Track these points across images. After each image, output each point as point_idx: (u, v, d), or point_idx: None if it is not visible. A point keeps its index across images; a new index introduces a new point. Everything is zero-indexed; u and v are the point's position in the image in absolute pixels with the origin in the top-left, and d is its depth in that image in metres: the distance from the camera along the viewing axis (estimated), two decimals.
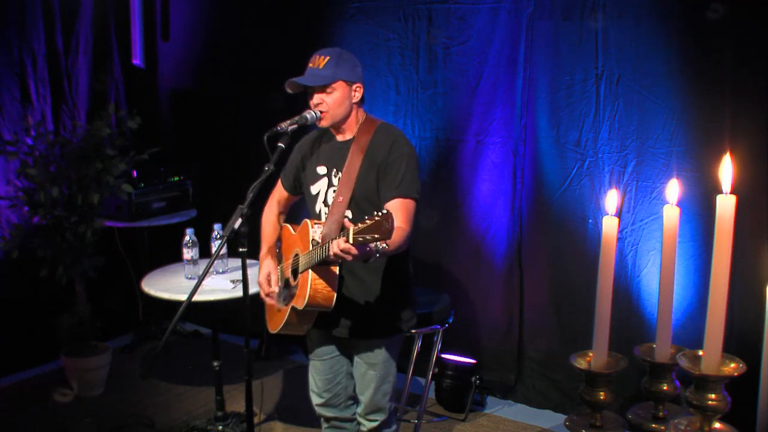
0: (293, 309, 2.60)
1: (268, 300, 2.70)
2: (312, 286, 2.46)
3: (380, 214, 2.12)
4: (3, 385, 4.23)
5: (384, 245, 2.18)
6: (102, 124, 3.97)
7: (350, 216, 2.57)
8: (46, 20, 4.38)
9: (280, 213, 2.90)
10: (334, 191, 2.62)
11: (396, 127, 2.73)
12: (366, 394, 2.75)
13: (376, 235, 2.12)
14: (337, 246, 2.21)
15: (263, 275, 2.70)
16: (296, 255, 2.63)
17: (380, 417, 2.78)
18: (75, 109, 4.58)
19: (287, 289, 2.68)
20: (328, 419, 2.92)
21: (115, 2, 4.79)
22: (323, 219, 2.62)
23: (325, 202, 2.66)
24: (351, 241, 2.15)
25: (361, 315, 2.65)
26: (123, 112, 4.26)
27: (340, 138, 2.67)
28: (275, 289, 2.68)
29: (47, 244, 3.90)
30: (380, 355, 2.70)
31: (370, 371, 2.71)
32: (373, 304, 2.65)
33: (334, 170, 2.65)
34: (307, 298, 2.47)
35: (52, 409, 3.98)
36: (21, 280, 4.22)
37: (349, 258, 2.22)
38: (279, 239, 2.85)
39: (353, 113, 2.64)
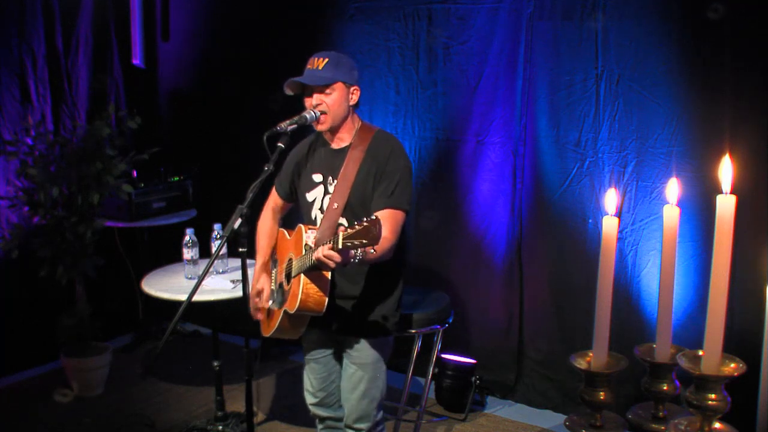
0: (285, 313, 2.61)
1: (257, 316, 2.74)
2: (304, 290, 2.47)
3: (368, 219, 2.14)
4: (3, 385, 4.23)
5: (372, 250, 2.19)
6: (102, 124, 3.97)
7: (345, 222, 2.58)
8: (46, 20, 4.38)
9: (275, 222, 2.91)
10: (330, 198, 2.62)
11: (393, 136, 2.74)
12: (352, 398, 2.73)
13: (364, 241, 2.14)
14: (321, 252, 2.25)
15: (254, 291, 2.73)
16: (290, 259, 2.64)
17: (365, 425, 2.76)
18: (75, 109, 4.58)
19: (281, 293, 2.69)
20: (322, 419, 2.93)
21: (115, 2, 4.79)
22: (318, 226, 2.62)
23: (321, 209, 2.67)
24: (340, 245, 2.17)
25: (353, 315, 2.67)
26: (123, 112, 4.27)
27: (335, 145, 2.68)
28: (266, 305, 2.71)
29: (47, 244, 3.90)
30: (370, 356, 2.70)
31: (359, 371, 2.71)
32: (364, 307, 2.66)
33: (330, 177, 2.65)
34: (298, 303, 2.48)
35: (52, 409, 3.98)
36: (21, 280, 4.22)
37: (332, 264, 2.26)
38: (275, 244, 2.87)
39: (349, 117, 2.64)
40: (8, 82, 4.22)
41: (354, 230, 2.15)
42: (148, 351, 4.71)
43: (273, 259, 2.86)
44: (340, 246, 2.17)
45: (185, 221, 4.49)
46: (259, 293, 2.74)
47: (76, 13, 4.56)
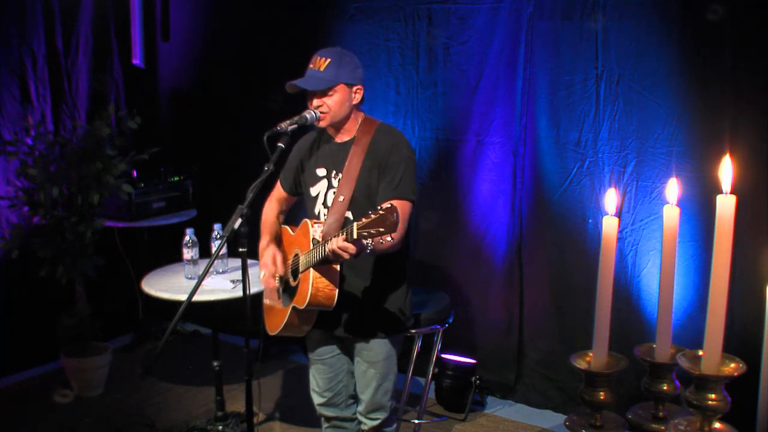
0: (294, 309, 2.60)
1: (272, 282, 2.67)
2: (314, 284, 2.46)
3: (385, 208, 2.14)
4: (3, 385, 4.23)
5: (390, 239, 2.19)
6: (102, 124, 3.97)
7: (350, 216, 2.58)
8: (46, 20, 4.38)
9: (280, 211, 2.91)
10: (334, 192, 2.62)
11: (395, 128, 2.74)
12: (367, 393, 2.75)
13: (381, 229, 2.14)
14: (336, 243, 2.25)
15: (268, 257, 2.70)
16: (296, 255, 2.63)
17: (381, 415, 2.78)
18: (75, 109, 4.58)
19: (287, 290, 2.68)
20: (329, 419, 2.92)
21: (115, 2, 4.78)
22: (323, 219, 2.62)
23: (324, 203, 2.67)
24: (355, 236, 2.16)
25: (362, 314, 2.66)
26: (123, 112, 4.26)
27: (338, 139, 2.68)
28: (281, 268, 2.67)
29: (47, 244, 3.90)
30: (381, 353, 2.70)
31: (371, 369, 2.71)
32: (374, 302, 2.66)
33: (334, 172, 2.65)
34: (308, 297, 2.47)
35: (52, 408, 3.98)
36: (21, 280, 4.22)
37: (347, 256, 2.28)
38: (278, 239, 2.86)
39: (353, 115, 2.64)
40: (8, 82, 4.22)
41: (369, 219, 2.14)
42: (148, 351, 4.71)
43: None
44: (354, 236, 2.17)
45: (185, 221, 4.49)
46: (273, 259, 2.68)
47: (76, 13, 4.56)
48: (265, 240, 2.81)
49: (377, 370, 2.71)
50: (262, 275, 2.72)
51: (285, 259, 2.74)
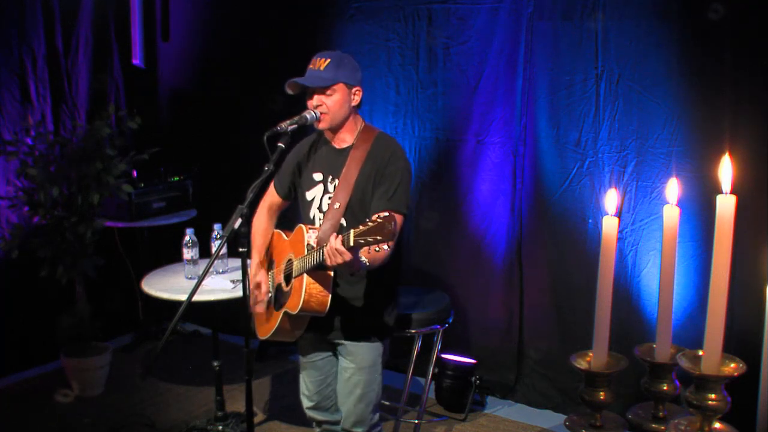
0: (286, 314, 2.60)
1: (257, 309, 2.71)
2: (307, 290, 2.46)
3: (383, 216, 2.13)
4: (3, 385, 4.23)
5: (386, 247, 2.18)
6: (102, 124, 3.97)
7: (344, 223, 2.58)
8: (46, 20, 4.38)
9: (270, 220, 2.89)
10: (330, 198, 2.62)
11: (394, 139, 2.73)
12: (348, 402, 2.73)
13: (378, 237, 2.12)
14: (333, 242, 2.24)
15: (253, 284, 2.71)
16: (289, 260, 2.63)
17: (361, 429, 2.75)
18: (75, 109, 4.58)
19: (279, 295, 2.67)
20: (319, 423, 2.92)
21: (115, 2, 4.78)
22: (318, 225, 2.62)
23: (319, 208, 2.66)
24: (351, 242, 2.15)
25: (351, 318, 2.66)
26: (123, 112, 4.26)
27: (337, 145, 2.67)
28: (265, 298, 2.69)
29: (47, 244, 3.90)
30: (366, 359, 2.69)
31: (356, 376, 2.70)
32: (363, 307, 2.65)
33: (330, 177, 2.65)
34: (301, 303, 2.47)
35: (52, 409, 3.98)
36: (21, 280, 4.22)
37: (340, 260, 2.26)
38: (269, 245, 2.85)
39: (351, 118, 2.64)
40: (8, 82, 4.22)
41: (366, 227, 2.13)
42: (148, 351, 4.71)
43: (267, 259, 2.84)
44: (351, 243, 2.16)
45: (185, 221, 4.49)
46: (258, 286, 2.72)
47: (76, 13, 4.56)
48: (255, 260, 2.81)
49: (361, 377, 2.69)
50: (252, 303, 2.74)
51: (276, 266, 2.75)
